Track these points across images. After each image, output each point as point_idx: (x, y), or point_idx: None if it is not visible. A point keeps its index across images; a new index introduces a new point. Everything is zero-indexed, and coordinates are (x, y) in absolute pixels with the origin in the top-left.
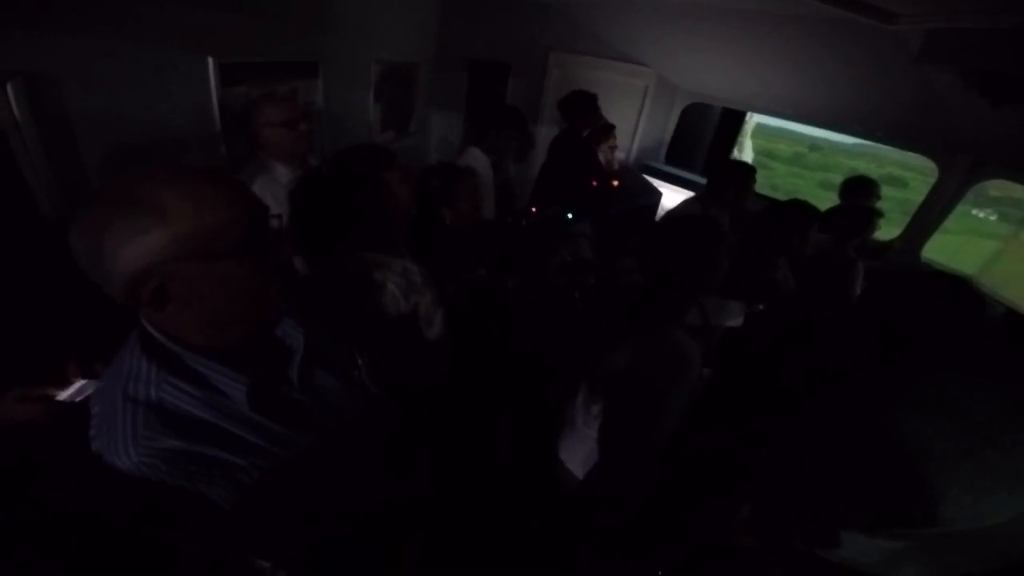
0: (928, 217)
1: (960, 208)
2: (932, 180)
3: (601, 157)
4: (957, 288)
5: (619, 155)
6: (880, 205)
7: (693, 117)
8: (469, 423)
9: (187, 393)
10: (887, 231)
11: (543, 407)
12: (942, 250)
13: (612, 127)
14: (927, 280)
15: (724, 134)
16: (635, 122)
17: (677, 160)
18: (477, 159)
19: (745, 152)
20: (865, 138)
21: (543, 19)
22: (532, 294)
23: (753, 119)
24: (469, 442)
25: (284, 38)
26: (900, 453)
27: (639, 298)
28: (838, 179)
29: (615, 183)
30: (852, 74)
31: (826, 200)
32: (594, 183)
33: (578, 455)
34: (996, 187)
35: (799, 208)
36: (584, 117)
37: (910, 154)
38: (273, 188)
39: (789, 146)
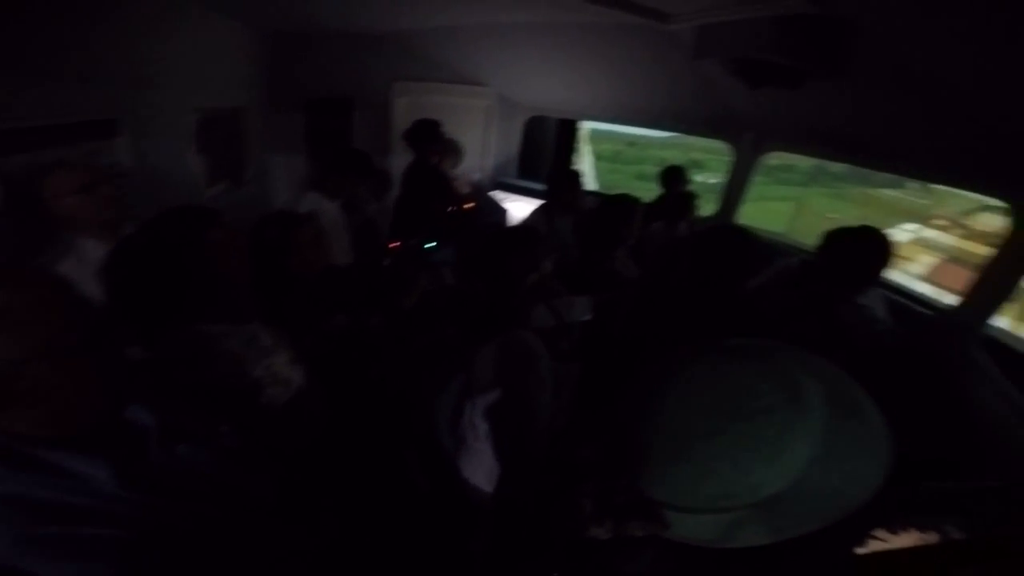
0: (734, 191)
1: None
2: (727, 160)
3: (456, 182)
4: (727, 236)
5: (475, 176)
6: (692, 188)
7: (536, 130)
8: (375, 467)
9: (42, 483)
10: (708, 208)
11: (436, 436)
12: (752, 217)
13: (459, 148)
14: (704, 235)
15: (563, 143)
16: (484, 141)
17: (529, 172)
18: (319, 203)
19: (584, 157)
20: (672, 130)
21: (382, 50)
22: (401, 330)
23: (585, 125)
24: (383, 486)
25: (73, 95)
26: (666, 436)
27: (477, 311)
28: (651, 170)
29: (469, 206)
30: (652, 74)
31: (641, 189)
32: (450, 209)
33: (479, 471)
34: (773, 158)
35: (620, 202)
36: (431, 144)
37: (711, 140)
38: (82, 269)
39: (611, 145)
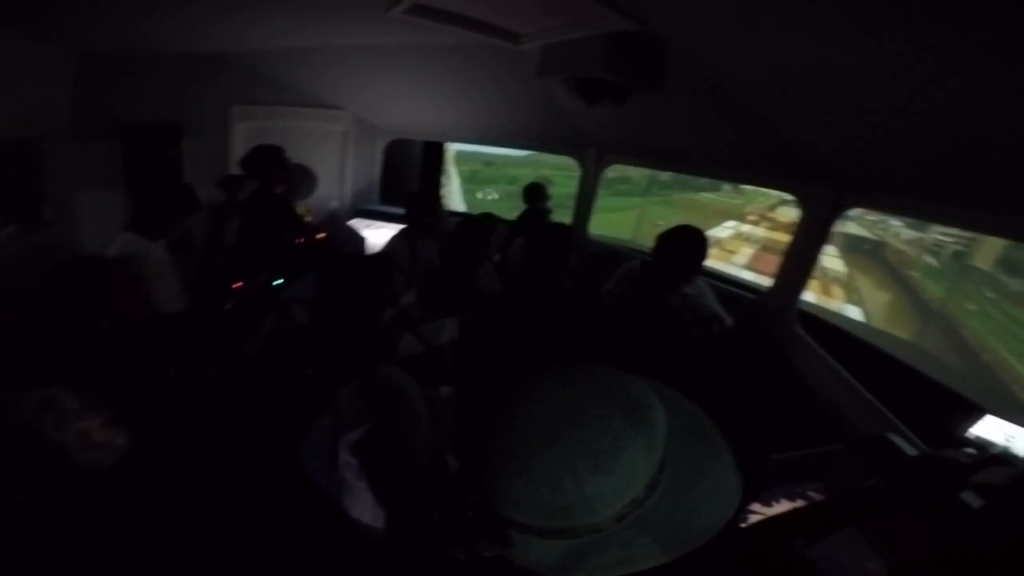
0: (584, 203)
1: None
2: (574, 174)
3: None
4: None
5: (332, 204)
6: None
7: (399, 153)
8: (260, 523)
9: None
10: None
11: (314, 480)
12: (603, 227)
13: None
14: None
15: (430, 165)
16: (341, 167)
17: (392, 197)
18: (135, 245)
19: (452, 179)
20: (527, 148)
21: (219, 72)
22: (250, 377)
23: (451, 147)
24: (274, 542)
25: None
26: (507, 449)
27: (334, 349)
28: (506, 188)
29: (320, 236)
30: (506, 93)
31: (480, 206)
32: (299, 240)
33: (366, 510)
34: (612, 171)
35: (475, 221)
36: (272, 172)
37: (561, 156)
38: None
39: (469, 166)
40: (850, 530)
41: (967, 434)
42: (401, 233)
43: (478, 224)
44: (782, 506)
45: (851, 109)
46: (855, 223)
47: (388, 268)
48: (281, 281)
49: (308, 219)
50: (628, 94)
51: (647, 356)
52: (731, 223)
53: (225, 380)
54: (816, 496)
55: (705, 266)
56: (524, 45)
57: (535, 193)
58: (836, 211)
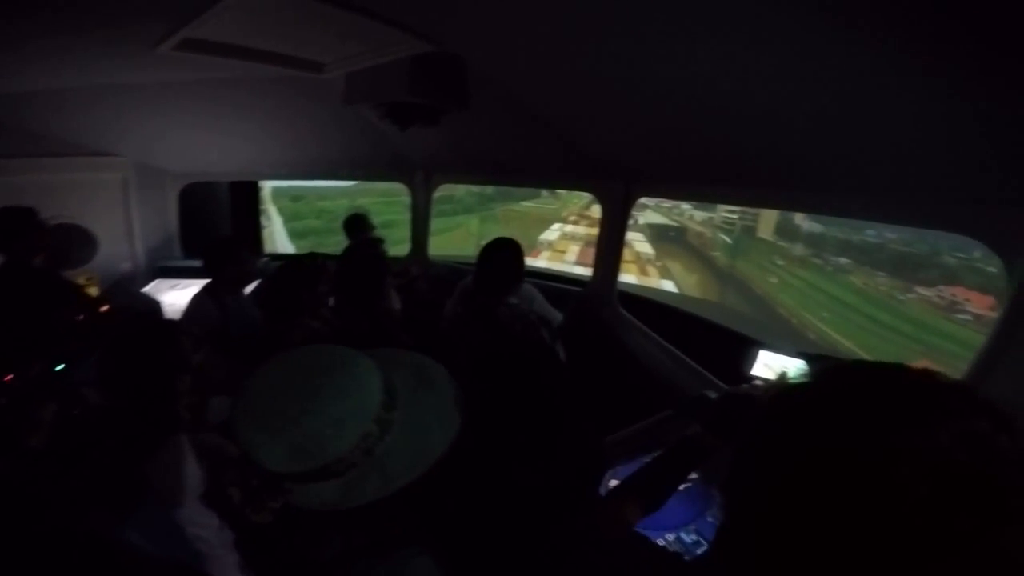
0: (419, 227)
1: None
2: (392, 199)
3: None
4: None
5: (123, 265)
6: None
7: (202, 198)
8: None
9: None
10: (401, 248)
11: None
12: (443, 247)
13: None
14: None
15: (241, 207)
16: (126, 221)
17: (198, 250)
18: None
19: (273, 218)
20: (351, 179)
21: None
22: (44, 469)
23: (267, 185)
24: None
25: None
26: (257, 413)
27: (135, 427)
28: (314, 223)
29: (104, 309)
30: (319, 124)
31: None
32: (80, 317)
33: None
34: (441, 190)
35: (296, 263)
36: (24, 240)
37: (378, 184)
38: None
39: (278, 202)
40: None
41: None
42: (204, 290)
43: (300, 266)
44: None
45: (631, 112)
46: (658, 213)
47: (171, 332)
48: (63, 366)
49: (91, 289)
50: (439, 115)
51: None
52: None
53: (17, 475)
54: None
55: (542, 269)
56: (328, 74)
57: (357, 224)
58: (628, 201)
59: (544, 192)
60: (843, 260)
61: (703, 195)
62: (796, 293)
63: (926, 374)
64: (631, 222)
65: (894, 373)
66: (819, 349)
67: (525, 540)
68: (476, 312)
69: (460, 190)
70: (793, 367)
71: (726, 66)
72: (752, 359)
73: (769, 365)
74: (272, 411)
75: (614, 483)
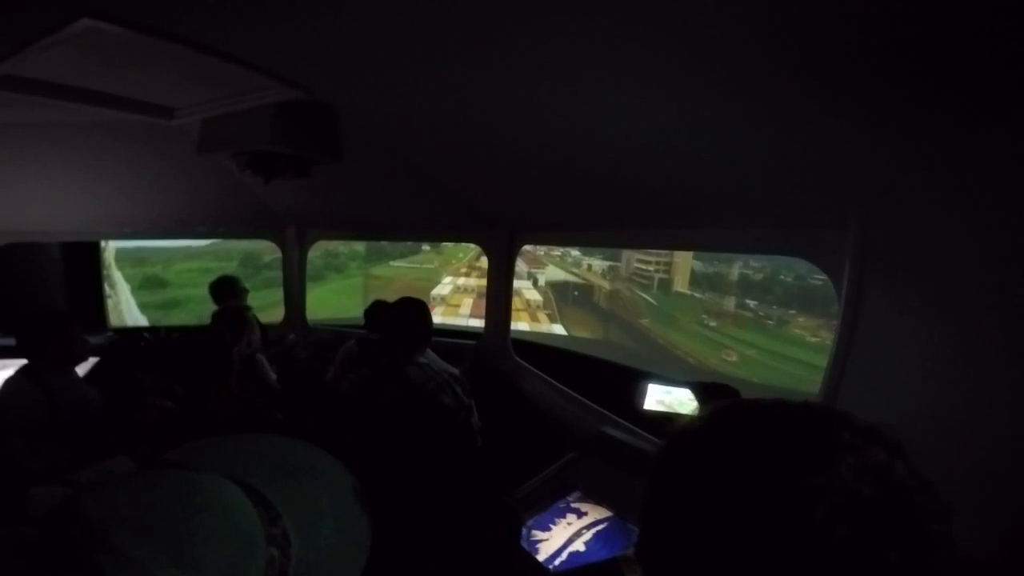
0: (293, 287)
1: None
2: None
3: None
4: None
5: None
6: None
7: (24, 263)
8: None
9: None
10: (274, 314)
11: None
12: (322, 307)
13: None
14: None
15: (79, 273)
16: None
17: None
18: None
19: (119, 285)
20: (210, 237)
21: None
22: None
23: (110, 246)
24: None
25: None
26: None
27: None
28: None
29: None
30: (169, 176)
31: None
32: None
33: None
34: (318, 246)
35: (124, 338)
36: None
37: (238, 243)
38: None
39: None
40: None
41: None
42: (20, 372)
43: (127, 341)
44: (559, 528)
45: (510, 160)
46: (559, 268)
47: None
48: None
49: None
50: (309, 165)
51: (400, 431)
52: (448, 279)
53: None
54: (580, 505)
55: (437, 324)
56: (180, 120)
57: (226, 289)
58: (513, 249)
59: (425, 247)
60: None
61: (580, 239)
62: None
63: (807, 407)
64: (530, 282)
65: (781, 411)
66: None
67: None
68: (384, 373)
69: (343, 246)
70: (682, 398)
71: (596, 115)
72: (643, 395)
73: (660, 399)
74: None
75: (535, 533)
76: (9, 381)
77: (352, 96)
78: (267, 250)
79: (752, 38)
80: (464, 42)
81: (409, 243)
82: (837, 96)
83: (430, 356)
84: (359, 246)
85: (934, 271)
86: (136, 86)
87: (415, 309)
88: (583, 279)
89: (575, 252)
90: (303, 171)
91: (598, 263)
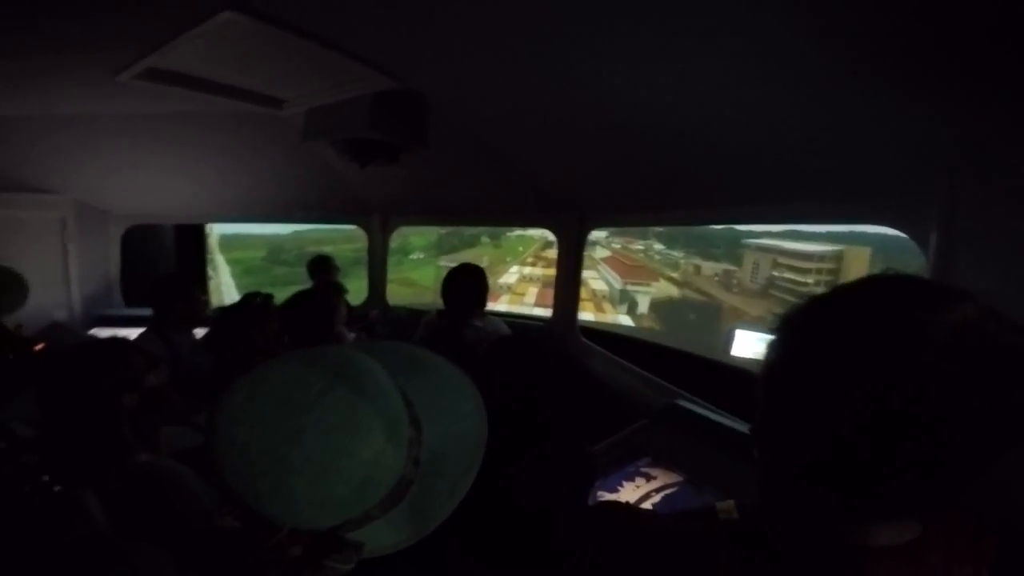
0: (377, 272)
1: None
2: (355, 245)
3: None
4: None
5: (58, 314)
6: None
7: (144, 242)
8: None
9: None
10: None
11: None
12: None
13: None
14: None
15: (188, 254)
16: (63, 264)
17: (140, 298)
18: None
19: (220, 268)
20: (306, 222)
21: None
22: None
23: (214, 230)
24: None
25: None
26: (262, 464)
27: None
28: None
29: (39, 347)
30: (274, 164)
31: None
32: (10, 355)
33: None
34: (400, 233)
35: (244, 301)
36: None
37: (335, 228)
38: None
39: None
40: None
41: None
42: (150, 329)
43: (246, 303)
44: (626, 489)
45: (584, 144)
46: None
47: (122, 348)
48: None
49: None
50: (399, 152)
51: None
52: (516, 268)
53: None
54: (649, 470)
55: (503, 312)
56: (288, 111)
57: (321, 265)
58: (583, 232)
59: (484, 238)
60: None
61: (650, 220)
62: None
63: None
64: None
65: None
66: None
67: (527, 544)
68: (440, 336)
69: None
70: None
71: (671, 92)
72: (730, 341)
73: (750, 347)
74: (308, 456)
75: (602, 493)
76: (141, 335)
77: (439, 84)
78: (290, 245)
79: (831, 9)
80: (541, 27)
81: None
82: (921, 63)
83: (491, 321)
84: (427, 239)
85: (1021, 238)
86: (254, 79)
87: (469, 274)
88: (696, 289)
89: (658, 246)
90: (393, 157)
91: (709, 265)
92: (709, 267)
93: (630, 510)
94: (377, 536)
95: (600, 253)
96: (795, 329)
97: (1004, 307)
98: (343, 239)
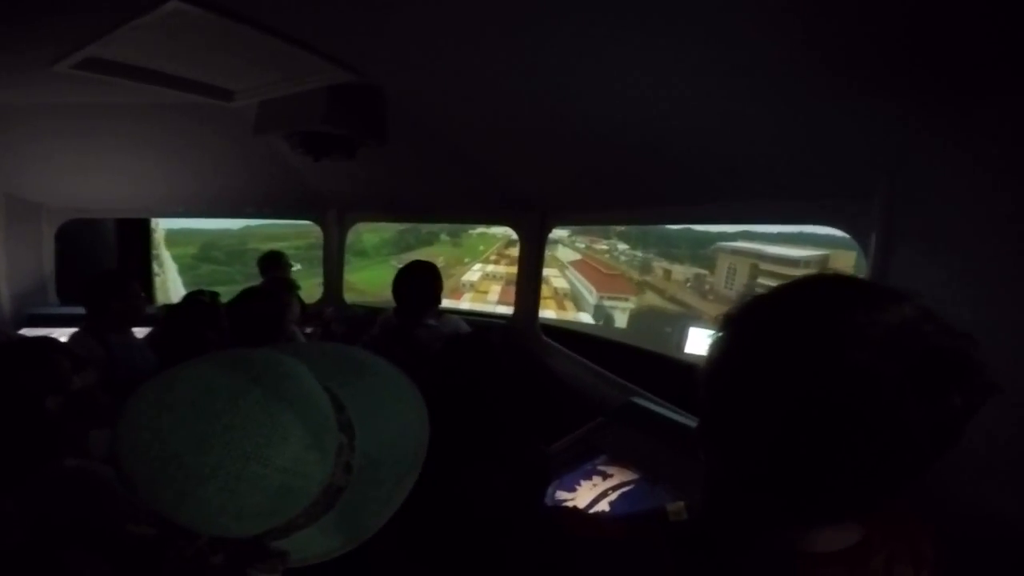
0: (332, 268)
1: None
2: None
3: None
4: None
5: None
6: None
7: (80, 239)
8: None
9: None
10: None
11: None
12: (358, 290)
13: None
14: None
15: (130, 250)
16: None
17: (75, 296)
18: None
19: (166, 264)
20: (257, 217)
21: None
22: None
23: (160, 225)
24: None
25: None
26: (172, 472)
27: None
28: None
29: None
30: (223, 158)
31: None
32: None
33: None
34: (355, 229)
35: (195, 298)
36: None
37: (287, 224)
38: None
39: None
40: None
41: None
42: (84, 329)
43: (198, 301)
44: (583, 488)
45: (545, 143)
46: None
47: (45, 348)
48: None
49: None
50: (356, 147)
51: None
52: (478, 265)
53: None
54: (606, 468)
55: (465, 311)
56: (238, 102)
57: (273, 262)
58: (544, 231)
59: (443, 236)
60: None
61: (609, 219)
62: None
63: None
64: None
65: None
66: None
67: (479, 546)
68: (394, 335)
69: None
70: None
71: (628, 93)
72: (683, 339)
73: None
74: (227, 452)
75: (559, 493)
76: (74, 336)
77: (398, 79)
78: (223, 242)
79: (777, 13)
80: (504, 24)
81: (437, 230)
82: (864, 66)
83: (449, 320)
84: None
85: (958, 237)
86: (202, 69)
87: (422, 272)
88: (670, 297)
89: (622, 246)
90: (350, 152)
91: (678, 269)
92: (681, 271)
93: (579, 516)
94: (307, 544)
95: (567, 254)
96: (736, 328)
97: (941, 307)
98: (294, 235)
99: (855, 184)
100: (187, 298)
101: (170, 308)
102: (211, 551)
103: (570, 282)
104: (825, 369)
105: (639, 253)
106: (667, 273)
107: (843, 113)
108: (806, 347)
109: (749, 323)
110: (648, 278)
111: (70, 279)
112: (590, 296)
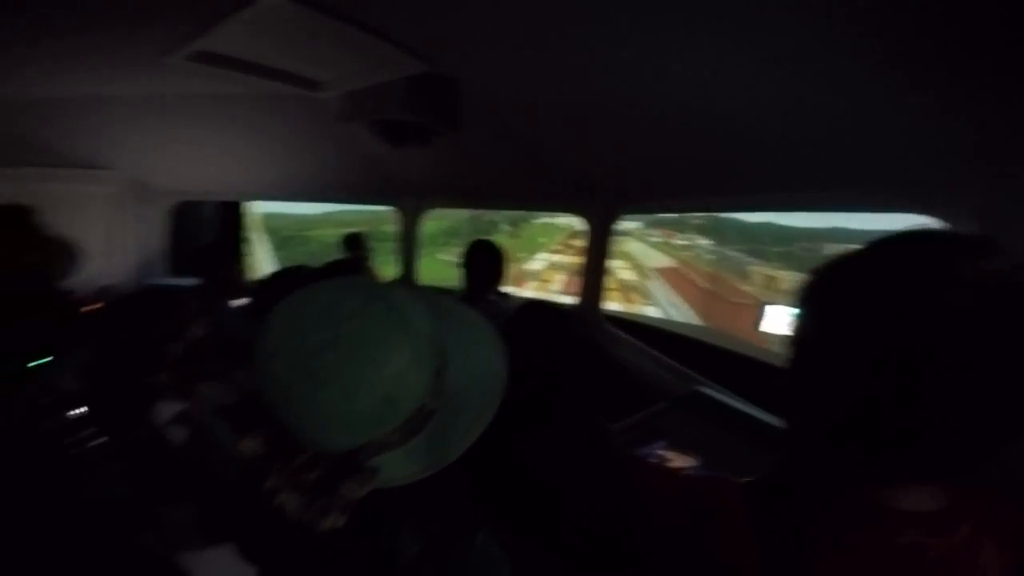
0: (408, 251)
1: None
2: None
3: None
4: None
5: (105, 283)
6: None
7: (191, 218)
8: None
9: None
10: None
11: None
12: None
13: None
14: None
15: (227, 230)
16: (112, 237)
17: (184, 270)
18: None
19: (259, 245)
20: (340, 202)
21: None
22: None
23: (254, 208)
24: None
25: None
26: (289, 380)
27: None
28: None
29: (90, 308)
30: (310, 145)
31: None
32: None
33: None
34: (431, 216)
35: (285, 269)
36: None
37: (364, 209)
38: None
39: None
40: None
41: None
42: (194, 295)
43: (288, 272)
44: (679, 458)
45: (616, 132)
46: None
47: (170, 295)
48: (44, 361)
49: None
50: (431, 135)
51: None
52: (543, 255)
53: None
54: (664, 453)
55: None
56: (325, 92)
57: (355, 243)
58: (611, 220)
59: (505, 225)
60: None
61: (681, 207)
62: None
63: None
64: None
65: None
66: None
67: (537, 505)
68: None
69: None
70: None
71: (702, 85)
72: (760, 316)
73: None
74: (325, 364)
75: None
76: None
77: (471, 69)
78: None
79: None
80: (572, 15)
81: (497, 220)
82: (962, 54)
83: (511, 299)
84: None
85: None
86: (294, 60)
87: (483, 250)
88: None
89: (703, 241)
90: (425, 139)
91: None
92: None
93: (652, 465)
94: (392, 466)
95: (653, 258)
96: (824, 278)
97: None
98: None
99: (951, 171)
100: (276, 272)
101: (262, 281)
102: (310, 467)
103: (654, 298)
104: (916, 311)
105: (727, 252)
106: (770, 280)
107: (939, 99)
108: (895, 289)
109: (837, 272)
110: (748, 286)
111: (178, 255)
112: (673, 310)
